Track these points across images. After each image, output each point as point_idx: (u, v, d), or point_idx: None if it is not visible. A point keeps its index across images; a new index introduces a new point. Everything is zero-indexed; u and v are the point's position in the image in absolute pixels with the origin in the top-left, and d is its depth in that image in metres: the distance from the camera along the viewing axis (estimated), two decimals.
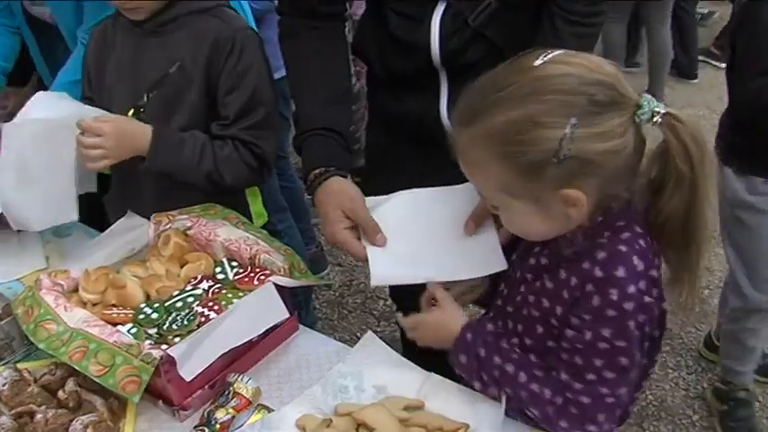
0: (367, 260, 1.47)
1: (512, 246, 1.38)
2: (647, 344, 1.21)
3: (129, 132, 1.68)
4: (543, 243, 1.27)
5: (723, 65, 5.27)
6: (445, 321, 1.35)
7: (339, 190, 1.54)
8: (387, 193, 1.75)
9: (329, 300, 3.26)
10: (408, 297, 1.47)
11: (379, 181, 1.88)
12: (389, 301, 3.14)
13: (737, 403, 2.53)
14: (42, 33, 2.24)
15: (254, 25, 2.13)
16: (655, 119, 1.12)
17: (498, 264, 1.40)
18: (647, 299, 1.16)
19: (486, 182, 1.21)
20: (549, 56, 1.15)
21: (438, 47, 1.59)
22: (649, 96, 1.13)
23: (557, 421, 1.22)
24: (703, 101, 4.98)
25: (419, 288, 1.43)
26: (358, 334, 2.93)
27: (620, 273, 1.15)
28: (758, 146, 2.12)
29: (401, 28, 1.62)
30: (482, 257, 1.41)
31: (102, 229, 1.80)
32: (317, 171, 1.57)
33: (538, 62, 1.14)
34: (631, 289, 1.15)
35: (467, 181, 1.24)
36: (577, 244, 1.19)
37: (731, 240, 2.34)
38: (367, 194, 2.00)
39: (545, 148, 1.10)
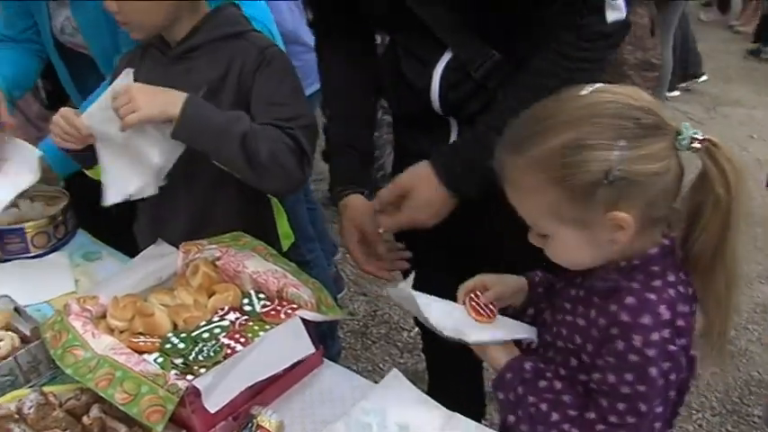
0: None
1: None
2: (672, 393, 1.22)
3: (161, 91, 1.61)
4: (583, 275, 1.28)
5: None
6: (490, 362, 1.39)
7: (351, 205, 1.77)
8: None
9: (353, 329, 3.25)
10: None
11: None
12: (413, 332, 3.13)
13: None
14: (73, 62, 2.22)
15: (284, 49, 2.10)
16: (694, 144, 1.15)
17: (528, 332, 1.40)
18: (670, 347, 1.17)
19: (537, 208, 1.22)
20: (595, 86, 1.20)
21: (438, 96, 1.60)
22: (687, 124, 1.16)
23: None
24: (734, 137, 4.96)
25: None
26: (381, 365, 2.91)
27: (646, 320, 1.17)
28: None
29: (409, 69, 1.65)
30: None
31: (132, 257, 1.81)
32: (339, 188, 1.82)
33: (584, 92, 1.19)
34: (655, 336, 1.16)
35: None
36: (610, 280, 1.22)
37: None
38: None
39: (595, 170, 1.13)
